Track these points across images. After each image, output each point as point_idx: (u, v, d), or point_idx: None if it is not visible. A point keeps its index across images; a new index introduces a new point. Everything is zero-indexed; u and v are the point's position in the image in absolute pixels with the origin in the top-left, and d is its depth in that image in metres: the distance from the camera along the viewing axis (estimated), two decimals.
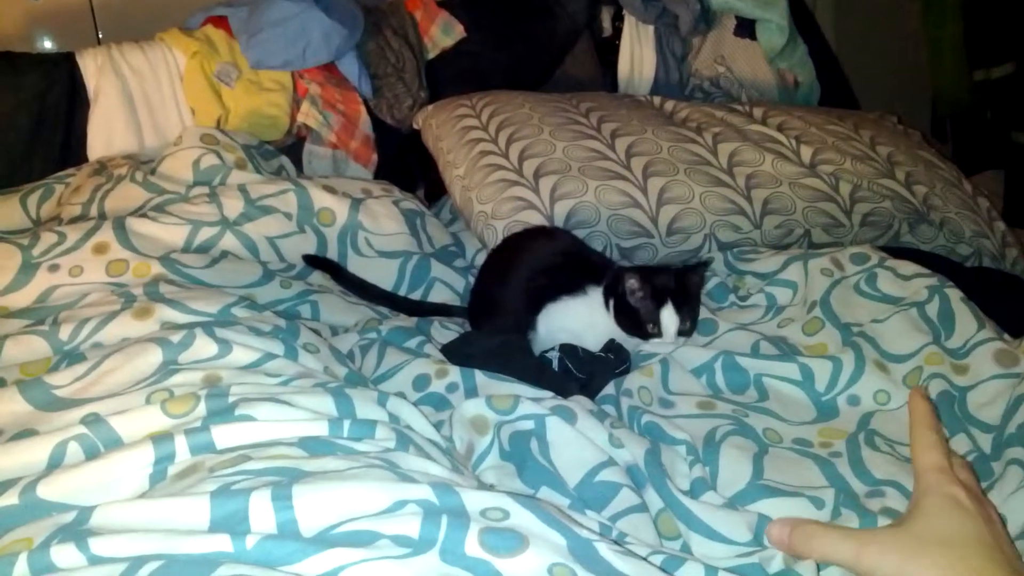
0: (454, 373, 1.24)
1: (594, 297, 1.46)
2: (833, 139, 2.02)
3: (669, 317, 1.40)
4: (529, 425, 1.08)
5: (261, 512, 0.76)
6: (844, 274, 1.50)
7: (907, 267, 1.48)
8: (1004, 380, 1.26)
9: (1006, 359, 1.28)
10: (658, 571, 0.80)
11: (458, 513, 0.78)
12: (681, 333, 1.42)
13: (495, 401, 1.10)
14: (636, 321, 1.42)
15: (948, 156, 2.23)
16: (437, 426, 1.09)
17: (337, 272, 1.58)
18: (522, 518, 0.79)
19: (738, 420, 1.22)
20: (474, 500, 0.80)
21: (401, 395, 1.14)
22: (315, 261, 1.58)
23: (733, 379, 1.33)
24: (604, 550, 0.77)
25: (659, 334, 1.41)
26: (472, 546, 0.73)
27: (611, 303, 1.44)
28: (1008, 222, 2.12)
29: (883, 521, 1.00)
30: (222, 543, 0.72)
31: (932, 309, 1.39)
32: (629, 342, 1.43)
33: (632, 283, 1.40)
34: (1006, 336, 1.34)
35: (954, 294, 1.40)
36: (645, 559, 0.83)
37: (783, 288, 1.53)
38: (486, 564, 0.72)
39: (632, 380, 1.30)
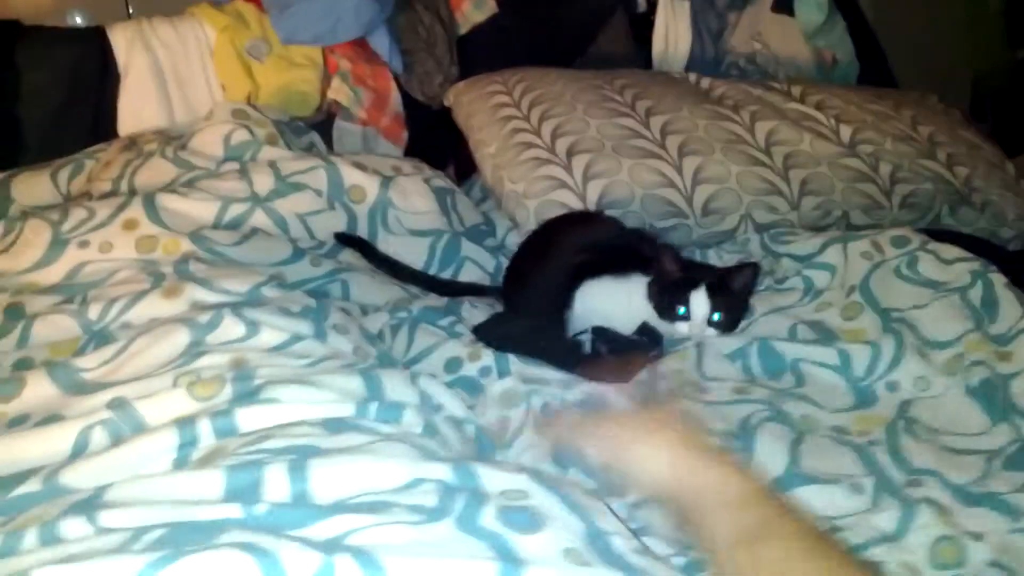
0: (487, 357, 1.22)
1: (637, 283, 1.42)
2: (873, 118, 1.98)
3: (699, 301, 1.36)
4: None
5: (276, 483, 0.75)
6: (884, 257, 1.46)
7: (949, 251, 1.45)
8: None
9: None
10: (672, 571, 0.78)
11: (476, 492, 0.77)
12: (713, 324, 1.37)
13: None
14: (667, 300, 1.38)
15: (988, 136, 2.18)
16: (469, 409, 1.08)
17: (366, 250, 1.57)
18: (542, 500, 0.78)
19: (774, 406, 1.19)
20: (493, 480, 0.79)
21: (432, 377, 1.13)
22: (345, 239, 1.57)
23: (769, 364, 1.31)
24: (619, 544, 0.76)
25: (687, 317, 1.36)
26: (489, 519, 0.73)
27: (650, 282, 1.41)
28: None
29: (925, 510, 0.98)
30: (232, 511, 0.71)
31: (975, 294, 1.36)
32: (663, 328, 1.39)
33: (668, 259, 1.37)
34: None
35: (998, 279, 1.36)
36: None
37: (821, 271, 1.50)
38: (500, 537, 0.71)
39: (667, 363, 1.28)
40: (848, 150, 1.86)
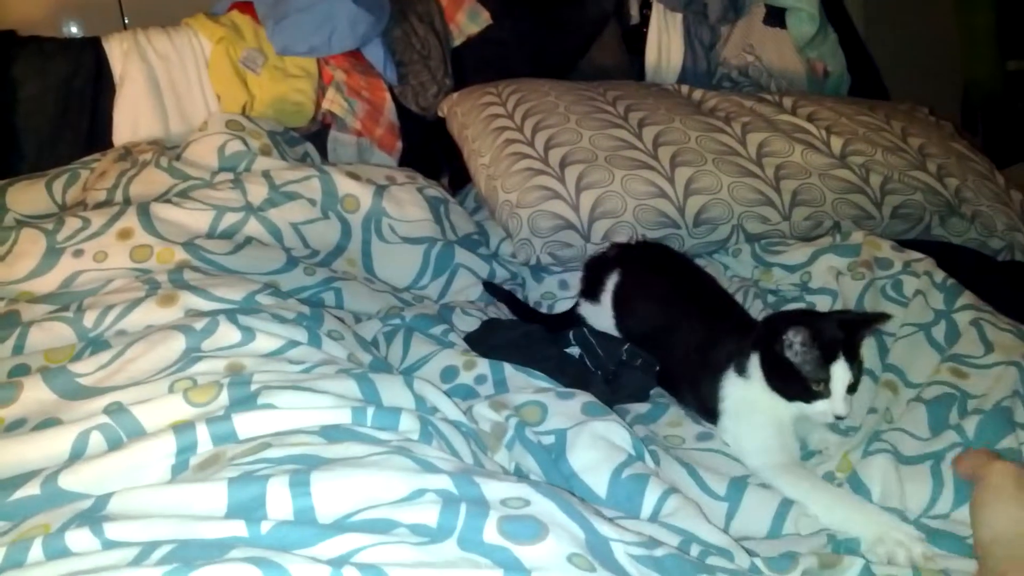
0: (482, 365, 1.23)
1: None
2: (864, 130, 1.99)
3: (841, 372, 1.13)
4: (551, 440, 1.09)
5: (278, 499, 0.76)
6: (874, 276, 1.48)
7: (927, 276, 1.46)
8: None
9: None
10: None
11: (477, 502, 0.77)
12: (851, 390, 1.15)
13: (526, 414, 1.11)
14: (796, 380, 1.15)
15: (979, 148, 2.20)
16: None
17: (514, 303, 1.58)
18: (543, 506, 0.78)
19: None
20: (494, 490, 0.80)
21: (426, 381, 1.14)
22: (493, 290, 1.60)
23: None
24: (619, 552, 0.77)
25: (826, 394, 1.14)
26: (491, 533, 0.73)
27: (758, 358, 1.19)
28: None
29: None
30: (237, 528, 0.72)
31: (938, 331, 1.37)
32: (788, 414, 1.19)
33: (798, 338, 1.13)
34: None
35: (963, 317, 1.37)
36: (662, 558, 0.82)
37: (824, 296, 1.51)
38: (505, 551, 0.72)
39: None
40: (839, 161, 1.88)
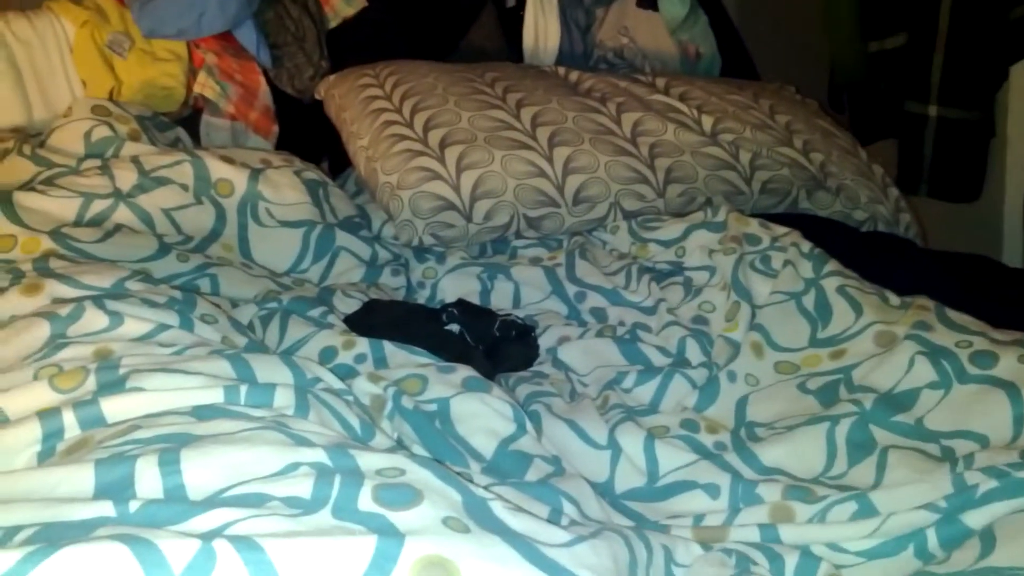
0: (361, 344, 1.23)
1: None
2: (733, 108, 2.04)
3: None
4: (432, 408, 1.09)
5: (147, 478, 0.74)
6: (744, 250, 1.53)
7: (794, 248, 1.51)
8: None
9: (884, 340, 1.29)
10: (555, 528, 0.80)
11: (352, 473, 0.77)
12: None
13: (405, 385, 1.11)
14: None
15: (845, 126, 2.28)
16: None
17: None
18: (418, 475, 0.79)
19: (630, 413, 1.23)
20: (369, 460, 0.80)
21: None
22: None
23: None
24: (498, 509, 0.78)
25: None
26: (366, 502, 0.73)
27: None
28: (901, 188, 2.18)
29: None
30: (104, 509, 0.70)
31: (808, 301, 1.42)
32: None
33: None
34: (892, 296, 1.37)
35: (830, 284, 1.42)
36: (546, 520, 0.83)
37: (701, 272, 1.56)
38: (380, 517, 0.72)
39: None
40: (710, 139, 1.93)
